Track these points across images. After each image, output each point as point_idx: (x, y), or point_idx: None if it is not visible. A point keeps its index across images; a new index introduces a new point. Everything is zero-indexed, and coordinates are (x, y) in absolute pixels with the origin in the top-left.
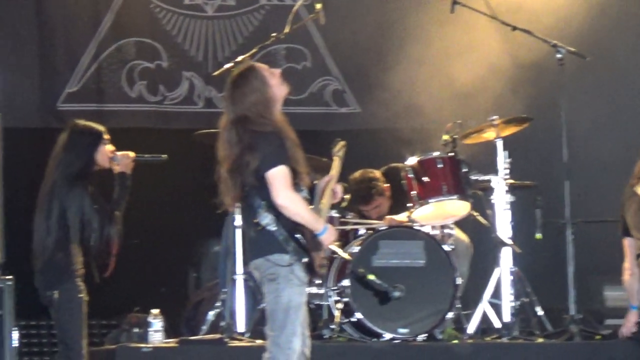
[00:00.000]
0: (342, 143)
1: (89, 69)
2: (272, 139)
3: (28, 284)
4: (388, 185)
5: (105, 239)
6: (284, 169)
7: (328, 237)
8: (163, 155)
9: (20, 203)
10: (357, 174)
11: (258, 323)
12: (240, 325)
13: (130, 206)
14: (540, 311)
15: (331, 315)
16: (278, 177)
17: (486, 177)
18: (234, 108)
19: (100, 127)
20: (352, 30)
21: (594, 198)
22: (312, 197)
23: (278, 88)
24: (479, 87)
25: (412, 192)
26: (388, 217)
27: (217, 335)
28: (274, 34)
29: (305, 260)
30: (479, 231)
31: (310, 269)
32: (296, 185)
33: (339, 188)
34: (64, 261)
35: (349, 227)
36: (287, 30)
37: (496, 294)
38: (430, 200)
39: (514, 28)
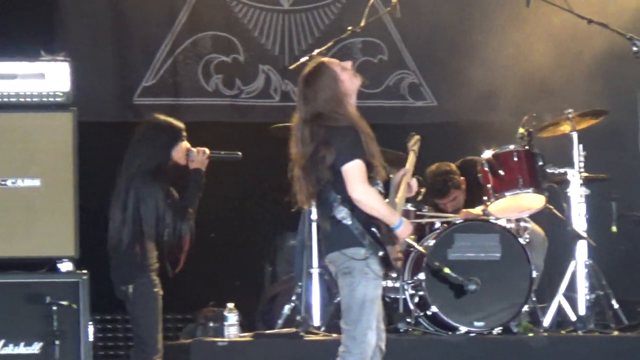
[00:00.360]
0: (416, 137)
1: (165, 63)
2: (347, 133)
3: (103, 278)
4: (464, 178)
5: (178, 234)
6: (359, 162)
7: (403, 230)
8: (238, 153)
9: (96, 198)
10: (433, 166)
11: (333, 317)
12: (316, 319)
13: (206, 200)
14: (615, 304)
15: (407, 309)
16: (353, 171)
17: (562, 170)
18: (307, 107)
19: (180, 124)
20: (428, 23)
21: None
22: (387, 191)
23: (350, 82)
24: (554, 81)
25: (487, 186)
26: (464, 210)
27: (293, 329)
28: (350, 27)
29: (380, 253)
30: (554, 224)
31: (385, 262)
32: (371, 179)
33: (414, 182)
34: (139, 256)
35: (424, 221)
36: (363, 23)
37: (571, 287)
38: (506, 194)
39: (590, 21)
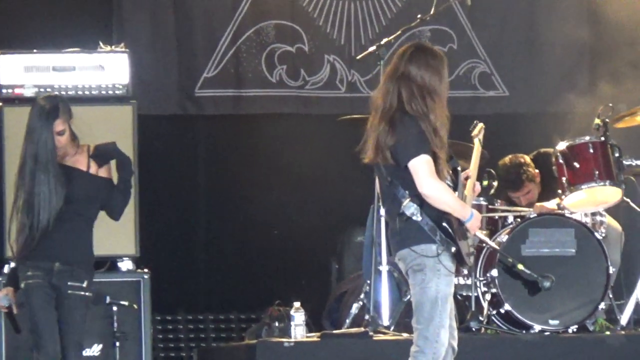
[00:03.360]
0: (480, 125)
1: (227, 53)
2: (412, 124)
3: (164, 277)
4: (538, 171)
5: None
6: (426, 157)
7: (474, 223)
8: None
9: (157, 194)
10: (506, 159)
11: (403, 315)
12: (385, 318)
13: (270, 195)
14: None
15: (479, 307)
16: (421, 167)
17: (639, 162)
18: (407, 65)
19: None
20: (499, 11)
21: None
22: (455, 185)
23: (445, 84)
24: (630, 70)
25: (562, 178)
26: (538, 204)
27: (361, 329)
28: (419, 16)
29: (453, 249)
30: (631, 218)
31: (458, 258)
32: (440, 173)
33: (477, 186)
34: None
35: (497, 215)
36: (432, 11)
37: None
38: (581, 187)
39: None
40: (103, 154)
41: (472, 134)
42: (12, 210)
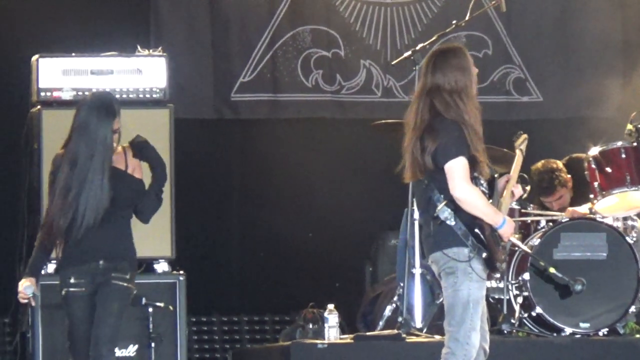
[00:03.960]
0: (524, 136)
1: (263, 58)
2: (453, 128)
3: (198, 279)
4: (570, 176)
5: None
6: (463, 160)
7: (507, 230)
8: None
9: (192, 197)
10: (539, 164)
11: (436, 318)
12: (418, 320)
13: (306, 198)
14: None
15: (511, 310)
16: (457, 170)
17: None
18: (433, 77)
19: None
20: (534, 17)
21: None
22: (491, 191)
23: (475, 84)
24: None
25: (594, 183)
26: (570, 208)
27: (394, 331)
28: (454, 22)
29: (484, 255)
30: None
31: (489, 264)
32: (475, 179)
33: (518, 189)
34: None
35: (529, 219)
36: (468, 17)
37: None
38: (613, 192)
39: None
40: (140, 151)
41: (515, 144)
42: (49, 207)
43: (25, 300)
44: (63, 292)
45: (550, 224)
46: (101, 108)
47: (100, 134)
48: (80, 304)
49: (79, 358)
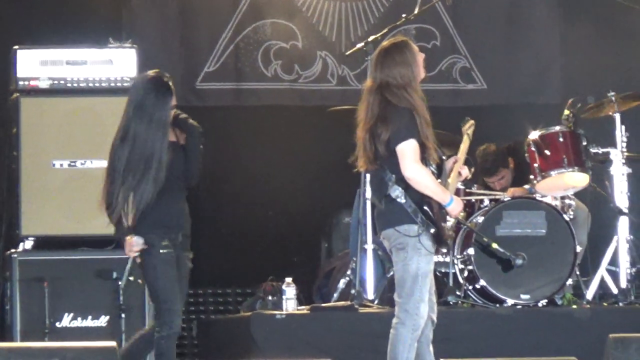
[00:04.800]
0: (471, 121)
1: (227, 49)
2: (405, 114)
3: None
4: (511, 158)
5: None
6: (413, 142)
7: (455, 208)
8: None
9: None
10: (482, 146)
11: (386, 290)
12: (370, 293)
13: (266, 180)
14: None
15: (457, 282)
16: (407, 151)
17: (605, 150)
18: (381, 74)
19: None
20: (479, 9)
21: None
22: (440, 173)
23: (421, 69)
24: (598, 64)
25: (534, 165)
26: (511, 188)
27: (348, 302)
28: (404, 15)
29: (432, 230)
30: (597, 201)
31: (437, 239)
32: (424, 160)
33: (465, 170)
34: None
35: (474, 198)
36: (416, 11)
37: (614, 261)
38: (551, 172)
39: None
40: (184, 124)
41: (463, 129)
42: (110, 176)
43: (136, 254)
44: (161, 251)
45: (494, 202)
46: (159, 88)
47: (157, 113)
48: (173, 265)
49: (176, 314)
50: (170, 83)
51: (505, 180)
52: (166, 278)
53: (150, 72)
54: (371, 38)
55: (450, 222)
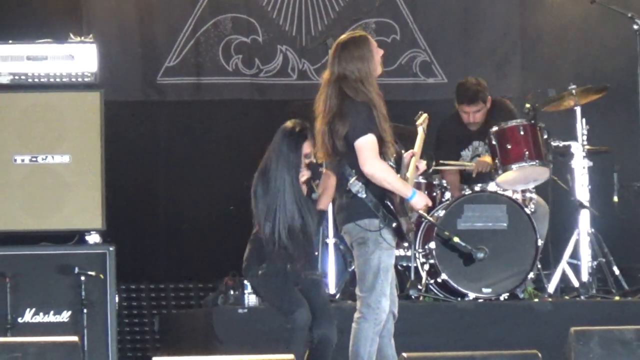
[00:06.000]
0: (425, 115)
1: (187, 44)
2: (362, 109)
3: (128, 249)
4: (490, 98)
5: None
6: (371, 137)
7: (418, 201)
8: None
9: (122, 173)
10: (468, 77)
11: (348, 284)
12: (332, 287)
13: (226, 173)
14: (616, 270)
15: (418, 276)
16: (366, 146)
17: (566, 143)
18: (338, 68)
19: None
20: (438, 4)
21: None
22: (398, 167)
23: (378, 65)
24: (558, 58)
25: (495, 159)
26: (479, 158)
27: None
28: (364, 9)
29: (394, 225)
30: (558, 195)
31: (398, 233)
32: (383, 155)
33: (422, 164)
34: None
35: (444, 168)
36: (377, 4)
37: (575, 254)
38: (512, 166)
39: (593, 1)
40: (316, 174)
41: (417, 123)
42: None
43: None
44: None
45: (454, 197)
46: (292, 135)
47: (291, 158)
48: None
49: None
50: (305, 130)
51: (481, 115)
52: None
53: (292, 120)
54: (331, 32)
55: (412, 216)
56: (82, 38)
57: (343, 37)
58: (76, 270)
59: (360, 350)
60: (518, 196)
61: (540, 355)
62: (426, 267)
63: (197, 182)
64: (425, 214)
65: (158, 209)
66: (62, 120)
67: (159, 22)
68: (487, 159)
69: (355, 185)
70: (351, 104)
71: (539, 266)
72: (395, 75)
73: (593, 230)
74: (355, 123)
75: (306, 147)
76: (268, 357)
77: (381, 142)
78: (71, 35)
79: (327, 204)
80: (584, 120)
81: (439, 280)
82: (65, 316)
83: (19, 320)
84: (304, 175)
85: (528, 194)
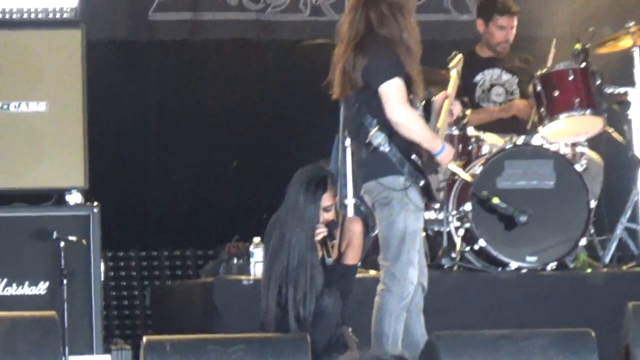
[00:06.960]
0: (459, 56)
1: None
2: (386, 46)
3: (115, 211)
4: None
5: None
6: (398, 81)
7: (446, 156)
8: None
9: (106, 124)
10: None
11: (370, 252)
12: None
13: (228, 124)
14: None
15: (451, 243)
16: (392, 92)
17: (622, 90)
18: None
19: None
20: None
21: None
22: (427, 114)
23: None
24: None
25: (540, 108)
26: (516, 101)
27: None
28: None
29: (421, 183)
30: (614, 149)
31: (427, 192)
32: (411, 101)
33: (456, 106)
34: None
35: (470, 147)
36: None
37: (633, 217)
38: (560, 116)
39: None
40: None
41: (450, 65)
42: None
43: None
44: None
45: (494, 150)
46: (310, 186)
47: (307, 214)
48: None
49: None
50: (328, 177)
51: (512, 33)
52: None
53: (309, 165)
54: None
55: (441, 173)
56: None
57: None
58: (54, 235)
59: (384, 327)
60: (567, 150)
61: (593, 334)
62: (461, 232)
63: (194, 134)
64: (460, 170)
65: (149, 165)
66: (37, 63)
67: None
68: (523, 101)
69: (377, 137)
70: (374, 39)
71: (592, 231)
72: (423, 11)
73: None
74: (377, 64)
75: (325, 200)
76: (276, 336)
77: (408, 83)
78: None
79: (357, 258)
80: None
81: (476, 247)
82: (42, 288)
83: None
84: (320, 233)
85: (579, 149)
